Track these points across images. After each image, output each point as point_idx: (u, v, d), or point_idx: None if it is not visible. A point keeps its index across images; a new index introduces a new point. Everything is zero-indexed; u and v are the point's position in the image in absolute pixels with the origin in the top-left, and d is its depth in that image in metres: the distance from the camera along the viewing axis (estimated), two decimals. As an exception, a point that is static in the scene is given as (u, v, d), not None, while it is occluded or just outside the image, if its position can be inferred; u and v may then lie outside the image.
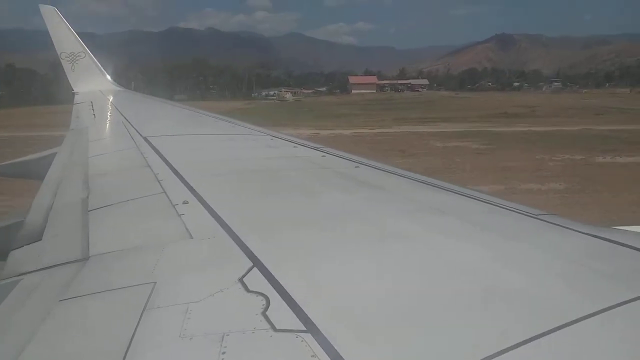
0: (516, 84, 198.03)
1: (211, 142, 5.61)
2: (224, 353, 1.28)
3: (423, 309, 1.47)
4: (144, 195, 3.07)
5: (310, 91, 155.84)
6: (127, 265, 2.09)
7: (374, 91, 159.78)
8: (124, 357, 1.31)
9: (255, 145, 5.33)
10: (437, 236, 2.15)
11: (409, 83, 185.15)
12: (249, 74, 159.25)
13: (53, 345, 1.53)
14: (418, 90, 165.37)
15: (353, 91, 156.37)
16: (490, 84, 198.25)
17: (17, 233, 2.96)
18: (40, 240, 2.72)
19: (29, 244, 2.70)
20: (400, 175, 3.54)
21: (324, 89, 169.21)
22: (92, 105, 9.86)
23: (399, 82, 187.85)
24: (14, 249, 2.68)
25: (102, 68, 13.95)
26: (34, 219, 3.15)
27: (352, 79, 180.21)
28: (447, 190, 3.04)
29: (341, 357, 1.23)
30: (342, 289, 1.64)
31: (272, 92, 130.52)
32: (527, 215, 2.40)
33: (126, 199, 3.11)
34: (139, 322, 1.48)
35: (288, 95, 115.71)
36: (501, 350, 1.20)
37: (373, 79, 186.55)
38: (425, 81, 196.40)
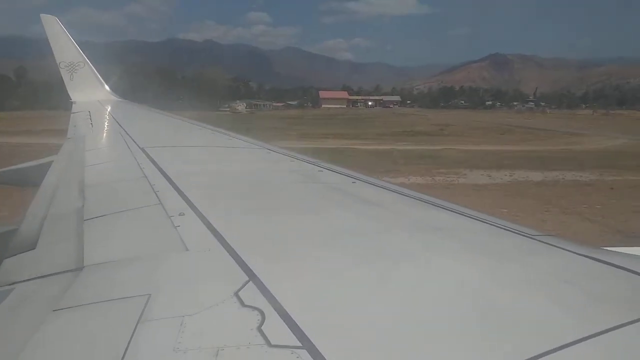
0: (488, 103, 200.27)
1: (208, 154, 5.60)
2: None
3: (419, 328, 1.47)
4: (140, 206, 3.03)
5: (280, 104, 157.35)
6: (121, 276, 2.06)
7: (344, 106, 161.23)
8: None
9: (252, 159, 5.36)
10: (434, 255, 2.14)
11: (381, 99, 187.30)
12: (217, 86, 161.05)
13: (45, 356, 1.50)
14: (390, 107, 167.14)
15: (323, 105, 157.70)
16: (463, 102, 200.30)
17: (11, 241, 2.92)
18: (34, 249, 2.66)
19: (22, 253, 2.65)
20: (398, 192, 3.55)
21: (295, 102, 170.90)
22: (90, 115, 9.83)
23: (370, 98, 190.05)
24: (7, 257, 2.63)
25: (101, 78, 13.67)
26: (28, 227, 3.12)
27: (323, 94, 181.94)
28: (445, 209, 3.01)
29: None
30: (338, 305, 1.63)
31: (231, 105, 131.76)
32: (525, 236, 2.39)
33: (122, 209, 3.07)
34: (132, 335, 1.46)
35: (240, 107, 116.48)
36: None
37: (344, 94, 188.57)
38: (397, 98, 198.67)
